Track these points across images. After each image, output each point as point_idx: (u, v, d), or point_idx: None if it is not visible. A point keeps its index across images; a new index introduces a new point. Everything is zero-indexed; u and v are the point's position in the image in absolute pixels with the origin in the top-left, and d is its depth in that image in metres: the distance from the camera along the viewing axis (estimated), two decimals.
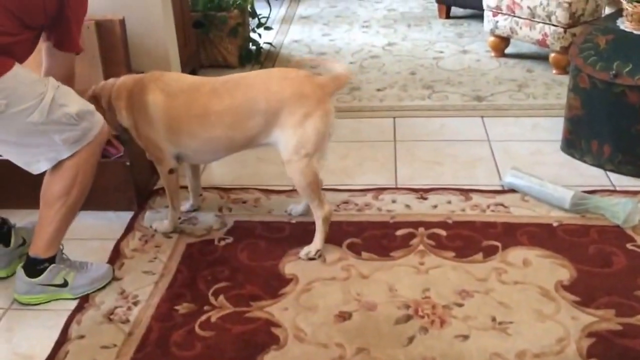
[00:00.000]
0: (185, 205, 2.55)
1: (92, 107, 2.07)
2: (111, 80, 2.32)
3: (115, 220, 2.51)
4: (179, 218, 2.47)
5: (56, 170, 2.02)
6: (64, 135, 1.96)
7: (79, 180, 2.03)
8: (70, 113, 1.96)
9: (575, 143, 2.82)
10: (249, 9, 4.14)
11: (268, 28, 4.33)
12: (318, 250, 2.27)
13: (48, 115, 1.92)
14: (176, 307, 2.06)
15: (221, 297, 2.09)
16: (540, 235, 2.33)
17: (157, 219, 2.49)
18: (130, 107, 2.24)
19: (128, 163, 2.47)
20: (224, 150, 2.31)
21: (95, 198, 2.51)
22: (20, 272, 2.09)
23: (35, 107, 1.89)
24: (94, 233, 2.45)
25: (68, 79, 2.09)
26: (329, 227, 2.29)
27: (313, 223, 2.29)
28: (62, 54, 2.06)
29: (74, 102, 2.00)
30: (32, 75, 1.95)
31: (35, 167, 2.01)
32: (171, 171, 2.32)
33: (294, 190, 2.59)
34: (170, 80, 2.24)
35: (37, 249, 2.07)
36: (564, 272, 2.14)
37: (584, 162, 2.79)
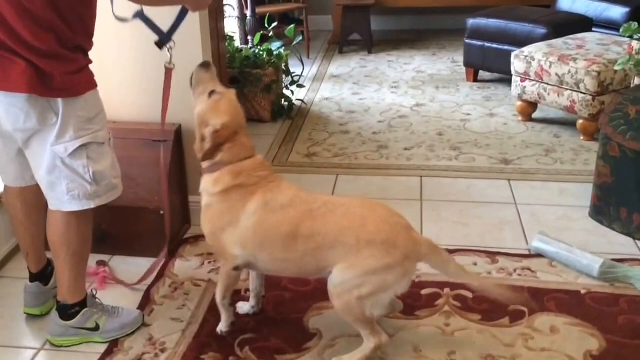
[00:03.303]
0: (244, 307, 2.29)
1: (118, 183, 2.03)
2: (241, 143, 2.07)
3: (147, 267, 2.55)
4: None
5: (49, 220, 2.01)
6: (71, 184, 1.91)
7: (73, 230, 1.99)
8: (89, 167, 1.89)
9: (604, 210, 2.83)
10: (284, 67, 4.29)
11: (300, 86, 4.48)
12: None
13: (70, 157, 1.87)
14: (202, 357, 2.08)
15: (247, 349, 2.11)
16: (568, 303, 2.31)
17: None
18: (229, 195, 2.00)
19: (162, 212, 2.54)
20: (290, 273, 2.15)
21: (128, 244, 2.62)
22: (54, 314, 2.14)
23: (66, 141, 1.85)
24: (125, 278, 2.49)
25: None
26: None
27: None
28: None
29: (103, 163, 1.94)
30: (88, 113, 1.88)
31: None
32: (236, 268, 2.08)
33: None
34: (277, 193, 2.00)
35: (63, 295, 2.11)
36: (593, 342, 2.11)
37: (613, 229, 2.79)
